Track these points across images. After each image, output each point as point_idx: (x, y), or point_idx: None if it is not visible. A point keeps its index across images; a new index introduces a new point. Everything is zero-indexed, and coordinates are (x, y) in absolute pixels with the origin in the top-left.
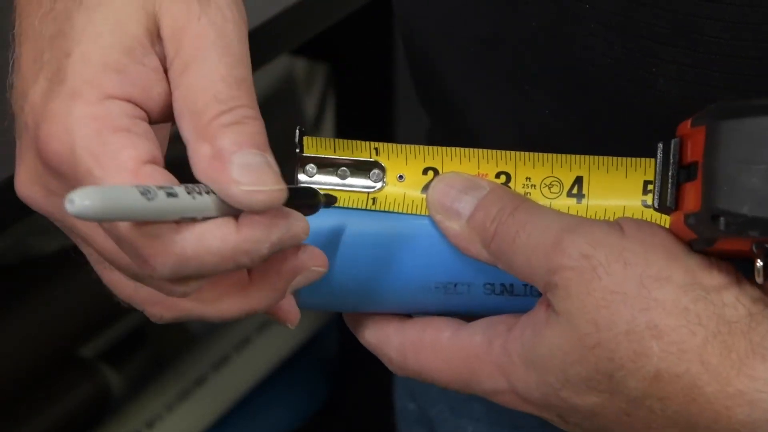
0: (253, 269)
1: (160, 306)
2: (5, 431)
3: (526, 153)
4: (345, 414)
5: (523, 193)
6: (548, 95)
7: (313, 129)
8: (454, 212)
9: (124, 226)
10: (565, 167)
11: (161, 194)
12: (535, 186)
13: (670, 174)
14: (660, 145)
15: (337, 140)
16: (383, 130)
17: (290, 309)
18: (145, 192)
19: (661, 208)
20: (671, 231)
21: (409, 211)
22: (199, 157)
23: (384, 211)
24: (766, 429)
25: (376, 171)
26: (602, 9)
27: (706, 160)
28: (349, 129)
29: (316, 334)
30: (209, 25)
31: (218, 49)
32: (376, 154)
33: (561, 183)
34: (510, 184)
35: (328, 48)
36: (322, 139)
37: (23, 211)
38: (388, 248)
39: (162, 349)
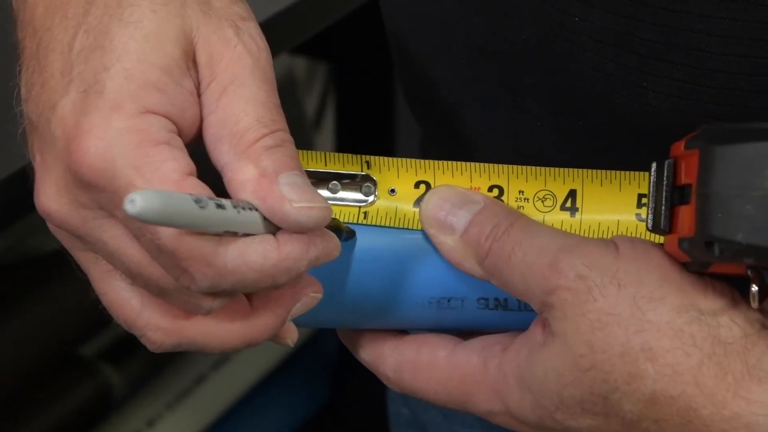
0: (254, 298)
1: (162, 332)
2: (6, 431)
3: (519, 166)
4: (345, 414)
5: (516, 206)
6: (541, 107)
7: (313, 128)
8: (448, 227)
9: (168, 235)
10: (558, 180)
11: (212, 204)
12: (528, 199)
13: (663, 195)
14: (654, 165)
15: (327, 153)
16: (383, 130)
17: (288, 327)
18: (198, 201)
19: (655, 230)
20: (666, 250)
21: (402, 225)
22: (245, 176)
23: (376, 226)
24: None
25: (367, 184)
26: (594, 23)
27: (700, 186)
28: (349, 129)
29: (317, 335)
30: (246, 52)
31: (256, 76)
32: (368, 167)
33: (554, 196)
34: (503, 198)
35: (328, 48)
36: (313, 152)
37: (23, 211)
38: (380, 264)
39: None
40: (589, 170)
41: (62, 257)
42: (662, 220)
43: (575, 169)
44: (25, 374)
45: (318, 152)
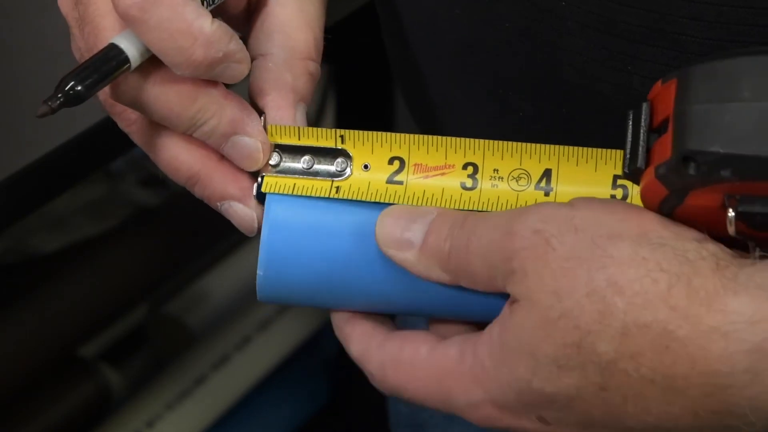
0: None
1: None
2: (6, 431)
3: (495, 141)
4: (346, 414)
5: (490, 185)
6: (525, 98)
7: None
8: (406, 242)
9: None
10: (534, 158)
11: None
12: (502, 178)
13: (641, 136)
14: (630, 112)
15: (301, 128)
16: (383, 130)
17: (245, 215)
18: None
19: (632, 173)
20: (642, 193)
21: (374, 200)
22: (282, 76)
23: (348, 200)
24: (744, 361)
25: (341, 159)
26: (580, 8)
27: (677, 107)
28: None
29: (317, 334)
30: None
31: (306, 18)
32: (342, 142)
33: (529, 175)
34: (477, 176)
35: (328, 48)
36: (286, 127)
37: (23, 211)
38: (352, 239)
39: (162, 349)
40: (565, 147)
41: (62, 257)
42: (639, 158)
43: (551, 146)
44: (25, 374)
45: (291, 126)
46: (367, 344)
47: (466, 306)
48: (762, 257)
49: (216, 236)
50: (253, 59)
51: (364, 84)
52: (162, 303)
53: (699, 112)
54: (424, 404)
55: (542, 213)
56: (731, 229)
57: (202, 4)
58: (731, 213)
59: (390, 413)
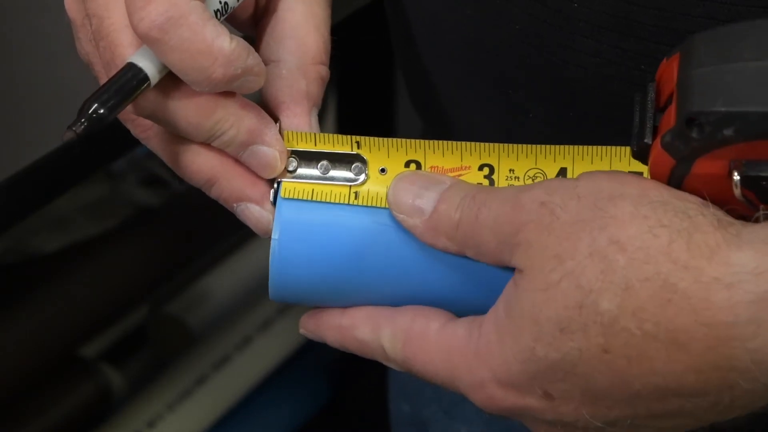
0: None
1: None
2: (6, 431)
3: (510, 145)
4: (346, 414)
5: (506, 185)
6: (534, 99)
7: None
8: (417, 209)
9: None
10: (549, 158)
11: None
12: (518, 178)
13: (647, 114)
14: (637, 95)
15: (317, 134)
16: (383, 130)
17: (261, 217)
18: None
19: (640, 150)
20: (650, 167)
21: None
22: (296, 83)
23: (365, 206)
24: (747, 311)
25: (357, 164)
26: (591, 8)
27: (680, 74)
28: (349, 129)
29: None
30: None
31: (315, 21)
32: (358, 147)
33: (545, 174)
34: (493, 177)
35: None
36: (302, 133)
37: (24, 211)
38: (363, 235)
39: (163, 349)
40: (580, 147)
41: (62, 257)
42: (646, 134)
43: (565, 147)
44: (26, 374)
45: (308, 132)
46: (375, 321)
47: (478, 305)
48: (766, 216)
49: (217, 236)
50: (265, 64)
51: (364, 84)
52: (163, 303)
53: (701, 75)
54: (432, 380)
55: (549, 186)
56: (737, 192)
57: (216, 16)
58: (736, 176)
59: (391, 412)
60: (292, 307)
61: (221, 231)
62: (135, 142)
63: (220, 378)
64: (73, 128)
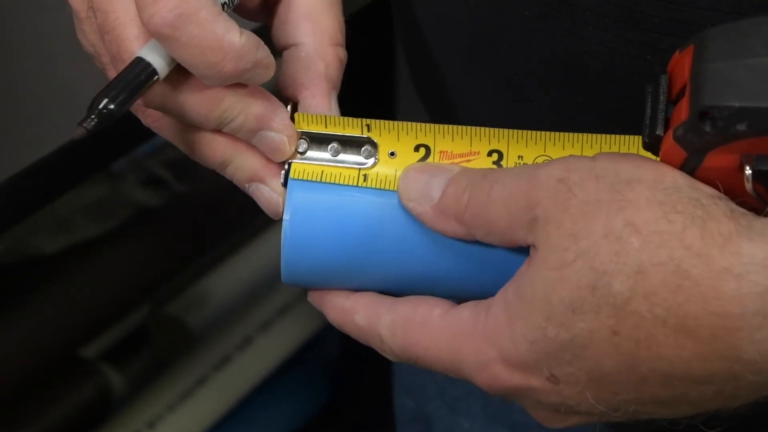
0: None
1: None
2: (6, 431)
3: (519, 131)
4: (347, 414)
5: None
6: (540, 87)
7: None
8: (426, 196)
9: None
10: (558, 145)
11: None
12: (527, 164)
13: (659, 107)
14: (649, 86)
15: (328, 116)
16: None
17: (271, 197)
18: None
19: (651, 141)
20: (661, 159)
21: None
22: (315, 65)
23: (375, 189)
24: (755, 303)
25: (367, 147)
26: None
27: (694, 67)
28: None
29: (318, 335)
30: None
31: (329, 3)
32: (368, 130)
33: None
34: (502, 162)
35: None
36: (314, 115)
37: (25, 211)
38: (373, 216)
39: (163, 349)
40: (589, 135)
41: (62, 257)
42: (658, 126)
43: (575, 134)
44: (26, 375)
45: (319, 115)
46: (375, 309)
47: (487, 288)
48: None
49: (217, 237)
50: (282, 49)
51: (365, 83)
52: (163, 303)
53: (715, 70)
54: (432, 367)
55: (566, 163)
56: (748, 186)
57: (223, 8)
58: (748, 171)
59: (395, 407)
60: (293, 307)
61: (221, 231)
62: (135, 143)
63: (220, 378)
64: (84, 125)
